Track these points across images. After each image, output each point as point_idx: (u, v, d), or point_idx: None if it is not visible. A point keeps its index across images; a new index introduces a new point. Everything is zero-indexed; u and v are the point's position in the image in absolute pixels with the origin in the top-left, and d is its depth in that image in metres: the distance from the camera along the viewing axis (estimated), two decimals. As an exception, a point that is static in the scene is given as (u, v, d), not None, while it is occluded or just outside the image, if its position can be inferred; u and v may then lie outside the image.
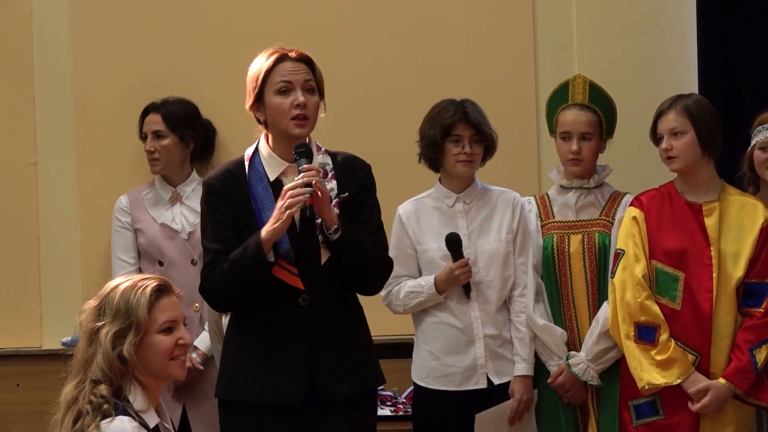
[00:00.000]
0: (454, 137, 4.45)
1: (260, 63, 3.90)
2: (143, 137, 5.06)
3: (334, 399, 3.88)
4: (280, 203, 3.77)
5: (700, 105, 4.41)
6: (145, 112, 5.08)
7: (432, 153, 4.49)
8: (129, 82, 5.32)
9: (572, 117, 4.56)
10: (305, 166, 3.78)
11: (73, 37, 5.37)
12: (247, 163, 3.94)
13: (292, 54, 3.90)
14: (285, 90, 3.87)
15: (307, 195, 3.73)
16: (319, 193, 3.76)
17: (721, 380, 4.26)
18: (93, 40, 5.37)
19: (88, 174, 5.34)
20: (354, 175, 3.99)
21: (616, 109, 4.62)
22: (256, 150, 3.97)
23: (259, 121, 3.95)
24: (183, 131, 5.06)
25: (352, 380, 3.92)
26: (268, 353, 3.87)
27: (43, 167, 5.37)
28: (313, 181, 3.74)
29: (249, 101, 3.93)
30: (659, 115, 4.42)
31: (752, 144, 4.47)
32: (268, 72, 3.87)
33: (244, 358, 3.90)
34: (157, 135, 5.03)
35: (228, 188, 3.92)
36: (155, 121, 5.04)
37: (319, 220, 3.85)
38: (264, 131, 3.96)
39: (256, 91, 3.89)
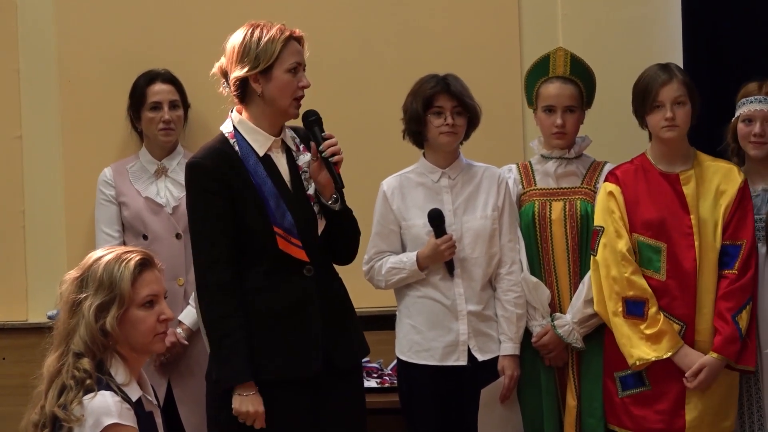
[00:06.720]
0: (436, 109, 4.43)
1: (271, 36, 3.84)
2: (153, 107, 4.95)
3: (346, 368, 3.94)
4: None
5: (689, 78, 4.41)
6: (148, 82, 4.99)
7: (415, 126, 4.47)
8: (114, 55, 5.30)
9: (556, 90, 4.55)
10: (328, 134, 3.88)
11: (57, 9, 5.34)
12: (232, 140, 3.89)
13: (297, 34, 3.90)
14: (295, 70, 3.86)
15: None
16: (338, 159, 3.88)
17: (713, 354, 4.27)
18: (77, 12, 5.34)
19: (73, 147, 5.32)
20: None
21: (596, 80, 4.62)
22: (233, 127, 3.91)
23: (242, 91, 3.87)
24: (186, 103, 5.07)
25: (355, 349, 4.02)
26: (280, 327, 3.86)
27: (27, 140, 5.35)
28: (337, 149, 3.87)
29: (247, 71, 3.84)
30: (662, 84, 4.34)
31: (736, 116, 4.46)
32: (283, 48, 3.84)
33: (254, 335, 3.85)
34: (174, 105, 4.99)
35: (221, 166, 3.84)
36: (170, 91, 5.00)
37: (311, 191, 3.89)
38: (237, 106, 3.91)
39: (268, 63, 3.83)
